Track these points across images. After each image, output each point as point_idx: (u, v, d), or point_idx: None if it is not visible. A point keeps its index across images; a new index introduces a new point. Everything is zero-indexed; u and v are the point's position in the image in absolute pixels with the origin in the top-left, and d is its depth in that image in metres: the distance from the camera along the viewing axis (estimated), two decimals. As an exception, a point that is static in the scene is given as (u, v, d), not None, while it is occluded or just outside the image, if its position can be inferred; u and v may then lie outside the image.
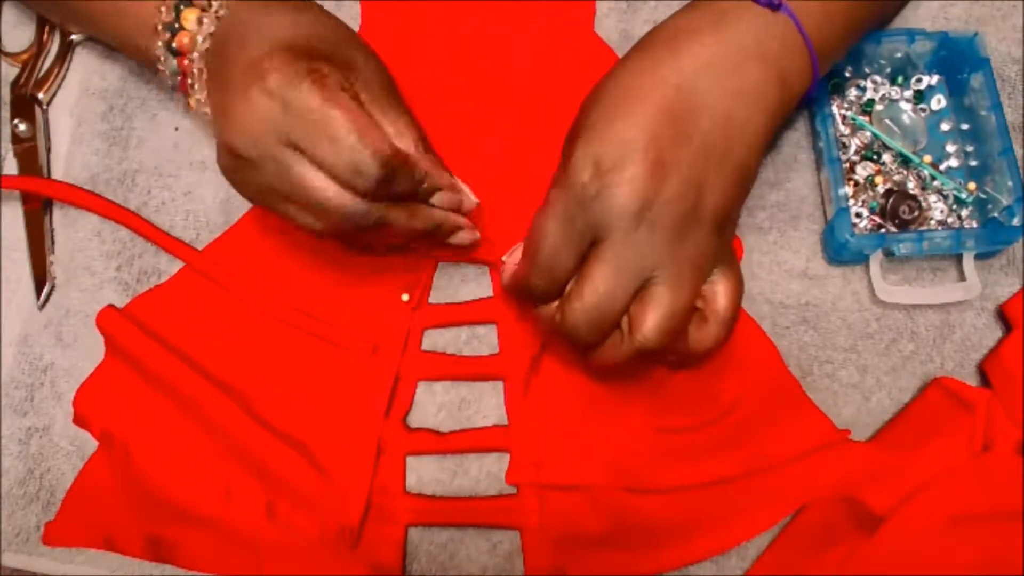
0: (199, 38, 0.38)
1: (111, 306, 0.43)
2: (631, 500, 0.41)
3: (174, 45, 0.38)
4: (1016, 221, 0.41)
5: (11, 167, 0.46)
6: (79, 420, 0.42)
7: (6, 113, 0.47)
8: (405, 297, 0.43)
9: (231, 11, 0.38)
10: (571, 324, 0.35)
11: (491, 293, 0.44)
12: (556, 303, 0.36)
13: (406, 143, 0.38)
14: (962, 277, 0.43)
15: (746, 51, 0.36)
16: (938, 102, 0.46)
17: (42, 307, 0.44)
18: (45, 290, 0.44)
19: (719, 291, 0.36)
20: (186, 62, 0.38)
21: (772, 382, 0.42)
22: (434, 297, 0.44)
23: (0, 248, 0.46)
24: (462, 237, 0.40)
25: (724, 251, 0.37)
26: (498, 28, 0.47)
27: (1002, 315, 0.43)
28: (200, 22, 0.38)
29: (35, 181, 0.45)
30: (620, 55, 0.40)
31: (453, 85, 0.46)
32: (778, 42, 0.37)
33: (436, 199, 0.39)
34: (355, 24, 0.48)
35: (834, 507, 0.40)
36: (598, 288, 0.35)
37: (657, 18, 0.42)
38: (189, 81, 0.38)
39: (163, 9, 0.38)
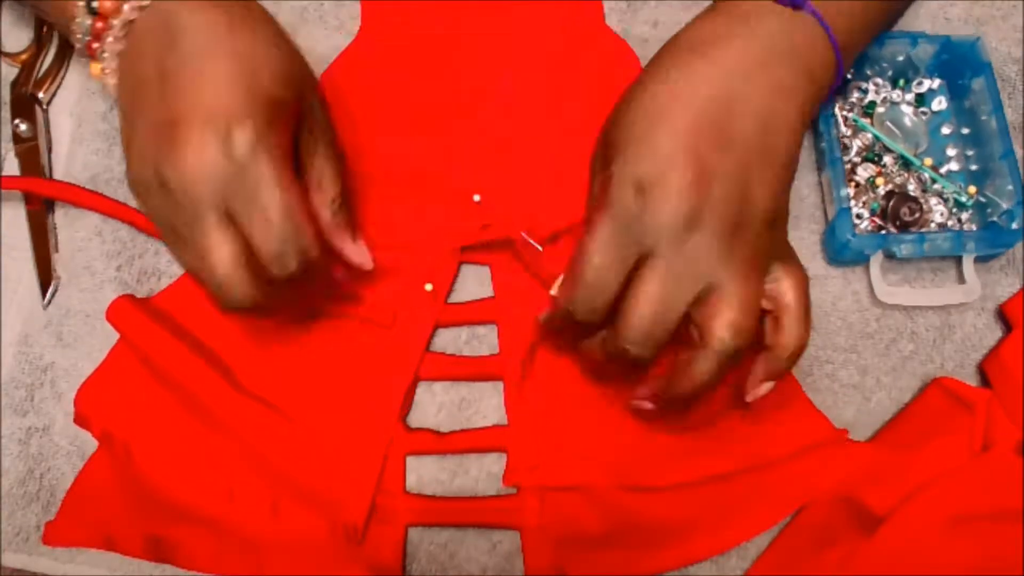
0: (125, 6, 0.36)
1: (125, 296, 0.43)
2: (631, 500, 0.41)
3: (95, 4, 0.37)
4: (1016, 224, 0.41)
5: (12, 167, 0.46)
6: (79, 419, 0.42)
7: (6, 113, 0.47)
8: (428, 287, 0.43)
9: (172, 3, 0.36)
10: (629, 341, 0.35)
11: (492, 293, 0.44)
12: (600, 334, 0.36)
13: (321, 199, 0.38)
14: (962, 278, 0.43)
15: (775, 50, 0.36)
16: (939, 103, 0.46)
17: (47, 306, 0.44)
18: (51, 289, 0.44)
19: (784, 288, 0.36)
20: (99, 25, 0.37)
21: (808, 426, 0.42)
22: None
23: (0, 248, 0.46)
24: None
25: (780, 246, 0.37)
26: (501, 28, 0.47)
27: (1002, 315, 0.43)
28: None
29: (36, 182, 0.45)
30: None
31: (454, 86, 0.46)
32: (803, 38, 0.37)
33: (352, 254, 0.39)
34: (355, 24, 0.48)
35: (834, 507, 0.40)
36: (653, 300, 0.34)
37: (657, 18, 0.42)
38: (97, 46, 0.37)
39: None
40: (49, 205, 0.46)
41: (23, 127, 0.46)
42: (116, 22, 0.37)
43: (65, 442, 0.43)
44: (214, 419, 0.41)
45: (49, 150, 0.47)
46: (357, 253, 0.39)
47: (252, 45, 0.36)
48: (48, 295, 0.44)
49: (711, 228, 0.34)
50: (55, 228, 0.46)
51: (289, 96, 0.36)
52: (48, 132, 0.47)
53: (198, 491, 0.41)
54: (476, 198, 0.44)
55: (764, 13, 0.37)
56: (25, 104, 0.47)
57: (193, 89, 0.34)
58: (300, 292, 0.37)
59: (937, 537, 0.38)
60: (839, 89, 0.46)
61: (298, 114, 0.37)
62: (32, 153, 0.46)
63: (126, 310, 0.42)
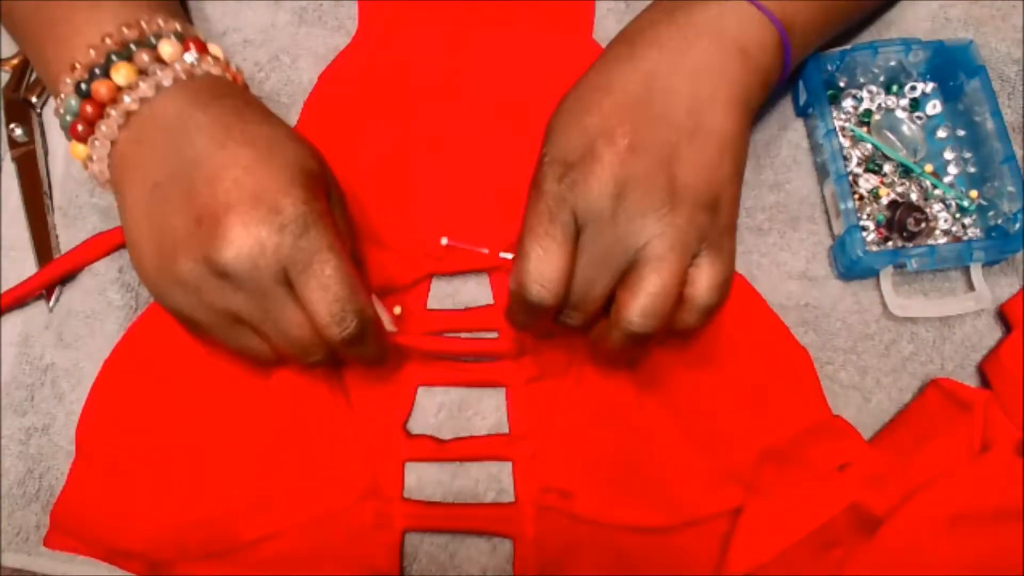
0: (126, 97, 0.37)
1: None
2: (630, 541, 0.40)
3: (84, 87, 0.37)
4: (1018, 226, 0.41)
5: (9, 172, 0.46)
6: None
7: (1, 118, 0.47)
8: (397, 310, 0.43)
9: (185, 97, 0.37)
10: (565, 313, 0.36)
11: (491, 300, 0.44)
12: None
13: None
14: (968, 284, 0.43)
15: (700, 31, 0.37)
16: (933, 107, 0.46)
17: (52, 308, 0.44)
18: (56, 291, 0.44)
19: (701, 275, 0.35)
20: (89, 109, 0.37)
21: (812, 413, 0.42)
22: (433, 304, 0.44)
23: (0, 248, 0.46)
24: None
25: (715, 234, 0.36)
26: (496, 28, 0.47)
27: (1001, 316, 0.43)
28: (135, 85, 0.37)
29: (50, 268, 0.44)
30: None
31: (451, 87, 0.46)
32: (735, 18, 0.38)
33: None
34: (354, 24, 0.48)
35: (833, 508, 0.40)
36: (583, 273, 0.35)
37: (656, 18, 0.42)
38: (83, 130, 0.37)
39: (93, 51, 0.37)
40: (50, 205, 0.46)
41: (18, 131, 0.46)
42: (114, 112, 0.37)
43: (65, 442, 0.43)
44: (210, 432, 0.41)
45: (46, 153, 0.47)
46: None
47: (267, 128, 0.37)
48: (54, 296, 0.44)
49: (635, 203, 0.34)
50: (55, 228, 0.46)
51: (316, 165, 0.37)
52: (44, 136, 0.47)
53: (193, 509, 0.41)
54: (444, 241, 0.43)
55: (695, 2, 0.38)
56: (19, 109, 0.47)
57: (228, 177, 0.35)
58: (361, 351, 0.38)
59: (937, 537, 0.38)
60: (834, 98, 0.46)
61: (326, 181, 0.38)
62: (29, 157, 0.46)
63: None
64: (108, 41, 0.37)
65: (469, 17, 0.47)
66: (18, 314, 0.45)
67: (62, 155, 0.47)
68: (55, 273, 0.44)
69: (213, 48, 0.40)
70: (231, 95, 0.38)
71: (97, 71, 0.37)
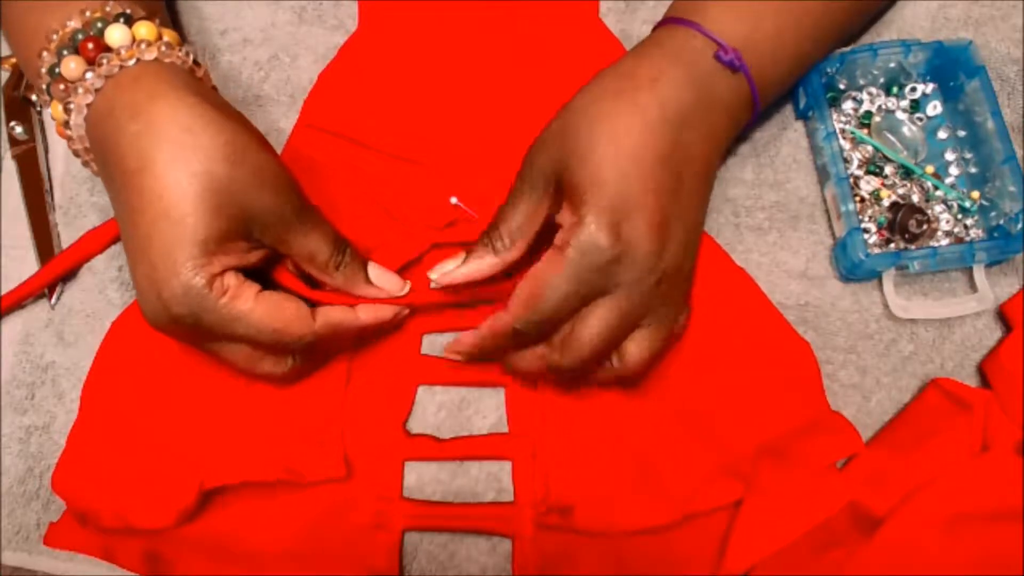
0: (79, 89, 0.36)
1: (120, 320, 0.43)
2: (629, 545, 0.40)
3: (52, 91, 0.37)
4: (1019, 227, 0.41)
5: (10, 170, 0.46)
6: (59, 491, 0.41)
7: (1, 116, 0.47)
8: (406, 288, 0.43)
9: (128, 83, 0.36)
10: (568, 364, 0.37)
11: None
12: (537, 350, 0.38)
13: (317, 268, 0.38)
14: (970, 284, 0.43)
15: (710, 97, 0.38)
16: (933, 108, 0.46)
17: (54, 306, 0.44)
18: (58, 289, 0.44)
19: (639, 340, 0.37)
20: (60, 109, 0.37)
21: (815, 412, 0.42)
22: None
23: (0, 248, 0.46)
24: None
25: (687, 294, 0.39)
26: (498, 26, 0.47)
27: (1001, 316, 0.43)
28: (83, 76, 0.36)
29: (51, 266, 0.44)
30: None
31: (452, 85, 0.46)
32: (730, 87, 0.39)
33: (361, 313, 0.39)
34: (353, 23, 0.48)
35: (833, 508, 0.40)
36: (604, 336, 0.36)
37: (656, 18, 0.42)
38: (69, 136, 0.38)
39: (45, 54, 0.37)
40: (51, 204, 0.46)
41: (19, 129, 0.46)
42: (73, 103, 0.37)
43: (65, 441, 0.43)
44: (207, 426, 0.41)
45: (46, 151, 0.47)
46: (377, 291, 0.40)
47: (169, 168, 0.35)
48: (56, 295, 0.44)
49: (664, 272, 0.36)
50: (56, 227, 0.46)
51: (217, 226, 0.35)
52: (44, 134, 0.47)
53: (196, 504, 0.41)
54: (453, 200, 0.44)
55: (703, 63, 0.38)
56: (19, 107, 0.47)
57: (129, 249, 0.36)
58: (326, 351, 0.41)
59: (937, 537, 0.38)
60: (834, 100, 0.46)
61: (240, 230, 0.36)
62: (30, 155, 0.46)
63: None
64: (55, 38, 0.37)
65: (468, 16, 0.47)
66: (18, 313, 0.45)
67: (62, 153, 0.47)
68: (55, 271, 0.44)
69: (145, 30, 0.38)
70: (155, 98, 0.36)
71: (56, 71, 0.37)
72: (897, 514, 0.38)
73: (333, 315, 0.38)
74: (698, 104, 0.37)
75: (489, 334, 0.38)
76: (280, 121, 0.47)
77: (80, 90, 0.36)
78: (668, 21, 0.40)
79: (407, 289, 0.40)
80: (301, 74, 0.48)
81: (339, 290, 0.39)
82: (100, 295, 0.44)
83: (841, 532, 0.40)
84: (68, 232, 0.45)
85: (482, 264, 0.38)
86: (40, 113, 0.47)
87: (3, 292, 0.45)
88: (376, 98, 0.46)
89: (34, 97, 0.47)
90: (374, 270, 0.40)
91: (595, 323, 0.36)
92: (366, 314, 0.39)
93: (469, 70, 0.47)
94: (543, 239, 0.38)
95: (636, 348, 0.37)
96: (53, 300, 0.44)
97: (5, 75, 0.48)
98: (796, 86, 0.45)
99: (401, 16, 0.48)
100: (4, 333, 0.44)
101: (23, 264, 0.45)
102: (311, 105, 0.47)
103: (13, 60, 0.48)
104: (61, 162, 0.47)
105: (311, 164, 0.45)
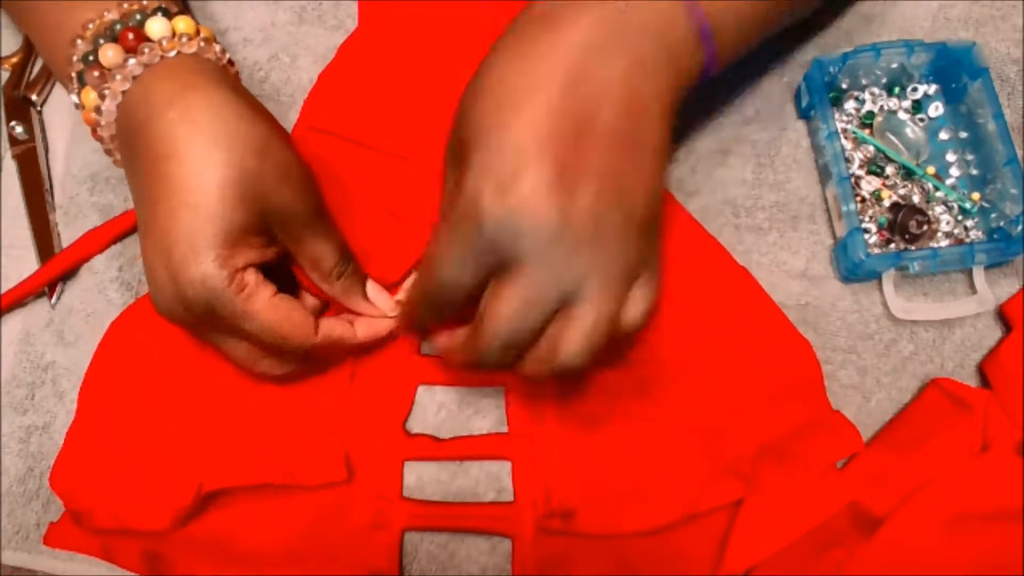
0: (117, 76, 0.36)
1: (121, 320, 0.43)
2: (628, 547, 0.40)
3: (85, 77, 0.37)
4: (1020, 229, 0.41)
5: (10, 170, 0.46)
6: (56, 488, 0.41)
7: (1, 116, 0.47)
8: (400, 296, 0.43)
9: (165, 73, 0.36)
10: (484, 355, 0.33)
11: None
12: (458, 335, 0.36)
13: (320, 274, 0.38)
14: (970, 285, 0.43)
15: (631, 22, 0.32)
16: (935, 109, 0.46)
17: (54, 305, 0.44)
18: (58, 289, 0.44)
19: (635, 303, 0.33)
20: (93, 95, 0.37)
21: (815, 412, 0.41)
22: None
23: (0, 247, 0.46)
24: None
25: (652, 256, 0.33)
26: (498, 26, 0.47)
27: (1001, 316, 0.43)
28: (123, 63, 0.37)
29: (49, 266, 0.44)
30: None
31: (453, 85, 0.46)
32: (661, 14, 0.33)
33: (359, 331, 0.39)
34: (353, 23, 0.48)
35: (833, 508, 0.40)
36: (512, 318, 0.32)
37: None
38: (97, 122, 0.38)
39: (79, 42, 0.38)
40: (52, 203, 0.46)
41: (19, 129, 0.46)
42: (108, 89, 0.37)
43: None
44: (206, 428, 0.41)
45: (46, 151, 0.47)
46: (370, 307, 0.40)
47: (192, 161, 0.35)
48: (56, 294, 0.44)
49: (580, 237, 0.31)
50: (56, 227, 0.46)
51: (240, 219, 0.35)
52: (44, 134, 0.47)
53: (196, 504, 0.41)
54: None
55: None
56: (19, 106, 0.47)
57: (147, 244, 0.36)
58: (324, 360, 0.41)
59: (937, 537, 0.38)
60: (836, 101, 0.46)
61: (260, 224, 0.36)
62: (30, 155, 0.46)
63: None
64: (91, 27, 0.38)
65: (468, 17, 0.47)
66: (18, 312, 0.45)
67: (62, 153, 0.47)
68: (55, 271, 0.44)
69: (185, 23, 0.38)
70: (192, 89, 0.36)
71: (91, 58, 0.37)
72: (897, 514, 0.38)
73: (336, 330, 0.38)
74: (611, 29, 0.32)
75: (404, 321, 0.39)
76: (280, 121, 0.47)
77: (118, 76, 0.37)
78: None
79: (398, 310, 0.40)
80: (301, 74, 0.48)
81: (334, 300, 0.40)
82: (100, 295, 0.44)
83: (841, 532, 0.40)
84: (68, 232, 0.45)
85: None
86: (40, 113, 0.47)
87: (3, 292, 0.45)
88: (376, 98, 0.46)
89: (34, 97, 0.47)
90: (372, 288, 0.40)
91: (496, 306, 0.32)
92: (363, 331, 0.40)
93: (469, 70, 0.47)
94: None
95: (566, 333, 0.32)
96: (53, 300, 0.44)
97: (5, 75, 0.48)
98: (799, 85, 0.45)
99: (400, 16, 0.47)
100: (4, 333, 0.44)
101: (23, 264, 0.45)
102: (311, 105, 0.47)
103: (14, 60, 0.48)
104: (61, 162, 0.47)
105: (312, 164, 0.45)
